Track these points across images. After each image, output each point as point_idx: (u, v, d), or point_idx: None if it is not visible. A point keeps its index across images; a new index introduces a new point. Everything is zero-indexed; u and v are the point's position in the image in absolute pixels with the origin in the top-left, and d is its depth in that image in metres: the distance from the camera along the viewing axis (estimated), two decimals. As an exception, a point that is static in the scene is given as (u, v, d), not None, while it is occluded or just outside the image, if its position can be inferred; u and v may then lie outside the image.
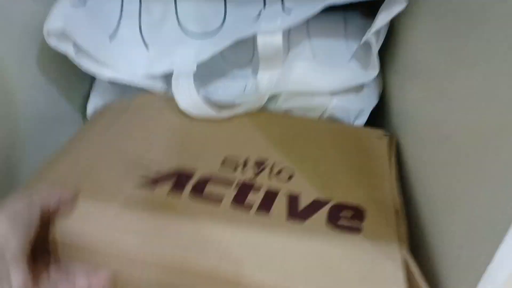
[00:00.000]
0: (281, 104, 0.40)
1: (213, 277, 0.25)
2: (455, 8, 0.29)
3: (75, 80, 0.44)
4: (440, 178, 0.28)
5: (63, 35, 0.35)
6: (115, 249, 0.25)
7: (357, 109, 0.41)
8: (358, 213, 0.29)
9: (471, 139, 0.25)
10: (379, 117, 0.43)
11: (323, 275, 0.25)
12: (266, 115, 0.39)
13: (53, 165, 0.31)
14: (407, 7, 0.36)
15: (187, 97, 0.37)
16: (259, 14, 0.39)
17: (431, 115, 0.31)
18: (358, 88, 0.41)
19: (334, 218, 0.28)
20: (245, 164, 0.33)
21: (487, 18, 0.25)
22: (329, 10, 0.38)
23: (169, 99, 0.38)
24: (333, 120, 0.41)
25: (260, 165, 0.33)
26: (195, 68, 0.38)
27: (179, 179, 0.30)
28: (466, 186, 0.24)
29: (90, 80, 0.46)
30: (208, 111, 0.36)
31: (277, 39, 0.37)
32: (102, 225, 0.26)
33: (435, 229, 0.28)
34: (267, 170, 0.32)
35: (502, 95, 0.22)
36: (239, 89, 0.42)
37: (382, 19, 0.36)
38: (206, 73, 0.42)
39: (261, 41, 0.37)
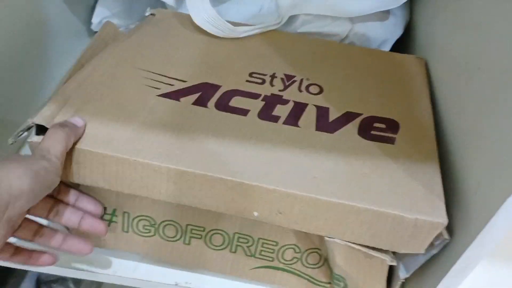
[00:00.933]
0: (297, 28, 0.38)
1: (233, 186, 0.24)
2: None
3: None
4: (467, 108, 0.27)
5: None
6: (141, 157, 0.24)
7: (380, 38, 0.38)
8: (391, 125, 0.28)
9: (502, 72, 0.23)
10: (399, 49, 0.40)
11: (353, 184, 0.24)
12: (289, 35, 0.37)
13: (74, 78, 0.29)
14: None
15: (202, 11, 0.34)
16: None
17: (462, 45, 0.29)
18: (383, 16, 0.38)
19: (366, 129, 0.27)
20: (272, 80, 0.31)
21: None
22: None
23: (184, 16, 0.36)
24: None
25: (287, 81, 0.31)
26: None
27: (205, 91, 0.29)
28: (492, 116, 0.23)
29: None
30: (224, 26, 0.34)
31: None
32: (129, 134, 0.25)
33: (458, 155, 0.27)
34: (295, 85, 0.31)
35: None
36: (254, 9, 0.39)
37: None
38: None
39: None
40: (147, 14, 0.38)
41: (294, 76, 0.31)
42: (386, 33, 0.39)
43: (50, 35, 0.39)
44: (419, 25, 0.39)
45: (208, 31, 0.34)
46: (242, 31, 0.35)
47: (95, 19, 0.42)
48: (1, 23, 0.32)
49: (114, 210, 0.28)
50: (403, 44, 0.40)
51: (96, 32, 0.41)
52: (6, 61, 0.34)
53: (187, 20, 0.35)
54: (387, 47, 0.39)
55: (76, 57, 0.36)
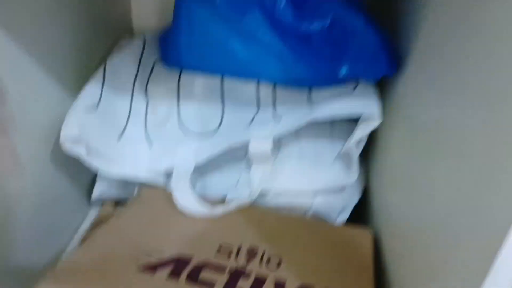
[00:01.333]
0: (267, 201, 0.44)
1: None
2: (420, 122, 0.33)
3: (82, 167, 0.48)
4: (414, 270, 0.31)
5: (77, 140, 0.39)
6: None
7: (339, 206, 0.44)
8: None
9: (441, 235, 0.28)
10: (361, 211, 0.46)
11: None
12: (257, 210, 0.43)
13: (71, 256, 0.35)
14: (384, 119, 0.40)
15: (184, 198, 0.40)
16: (252, 119, 0.44)
17: (406, 212, 0.35)
18: (341, 187, 0.45)
19: None
20: (238, 251, 0.37)
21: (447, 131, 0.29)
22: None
23: (168, 195, 0.42)
24: (318, 218, 0.44)
25: (251, 253, 0.37)
26: (192, 170, 0.42)
27: (177, 265, 0.34)
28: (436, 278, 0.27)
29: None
30: (202, 211, 0.40)
31: (267, 146, 0.41)
32: None
33: None
34: (257, 258, 0.36)
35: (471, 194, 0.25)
36: (232, 182, 0.46)
37: (360, 133, 0.40)
38: (203, 165, 0.46)
39: (252, 146, 0.41)
40: (135, 192, 0.44)
41: (257, 249, 0.37)
42: (345, 201, 0.45)
43: (53, 205, 0.44)
44: (373, 192, 0.45)
45: (190, 213, 0.40)
46: (218, 212, 0.41)
47: (95, 193, 0.48)
48: (14, 196, 0.38)
49: None
50: (362, 208, 0.46)
51: (94, 202, 0.47)
52: (8, 228, 0.39)
53: (171, 198, 0.41)
54: (346, 213, 0.45)
55: (75, 227, 0.41)
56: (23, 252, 0.40)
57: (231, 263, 0.35)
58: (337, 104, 0.41)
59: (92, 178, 0.50)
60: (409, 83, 0.38)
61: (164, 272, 0.34)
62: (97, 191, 0.49)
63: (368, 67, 0.40)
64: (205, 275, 0.34)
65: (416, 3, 0.39)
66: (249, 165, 0.45)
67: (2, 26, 0.33)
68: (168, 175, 0.44)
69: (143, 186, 0.44)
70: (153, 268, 0.34)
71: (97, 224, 0.42)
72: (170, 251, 0.36)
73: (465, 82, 0.27)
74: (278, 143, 0.45)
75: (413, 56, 0.37)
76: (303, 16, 0.40)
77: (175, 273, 0.34)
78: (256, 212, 0.42)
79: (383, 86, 0.44)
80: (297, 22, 0.40)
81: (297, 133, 0.46)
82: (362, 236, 0.40)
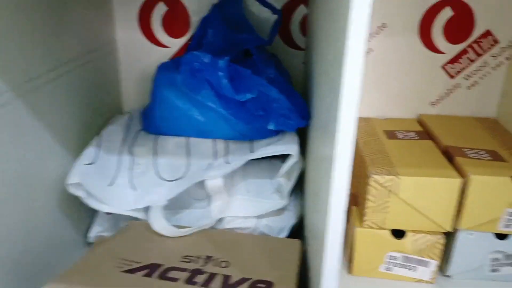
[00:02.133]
0: (225, 225, 0.58)
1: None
2: (318, 155, 0.48)
3: (80, 215, 0.62)
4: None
5: (78, 186, 0.54)
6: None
7: (279, 227, 0.58)
8: (269, 285, 0.45)
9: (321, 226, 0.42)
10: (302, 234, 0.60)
11: None
12: (214, 231, 0.56)
13: (73, 265, 0.48)
14: (305, 157, 0.56)
15: (159, 223, 0.54)
16: (209, 165, 0.59)
17: (313, 219, 0.49)
18: (280, 212, 0.59)
19: None
20: (197, 259, 0.50)
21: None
22: (259, 158, 0.58)
23: (147, 225, 0.56)
24: (261, 235, 0.58)
25: (207, 260, 0.50)
26: (166, 203, 0.57)
27: (151, 269, 0.48)
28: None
29: (91, 214, 0.64)
30: (173, 232, 0.54)
31: (220, 182, 0.56)
32: None
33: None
34: (212, 262, 0.49)
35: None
36: (198, 215, 0.60)
37: (285, 167, 0.56)
38: (176, 205, 0.60)
39: (208, 183, 0.56)
40: (123, 225, 0.58)
41: (212, 257, 0.50)
42: (284, 222, 0.59)
43: (56, 247, 0.57)
44: (305, 215, 0.59)
45: (162, 234, 0.54)
46: (185, 232, 0.54)
47: (92, 233, 0.61)
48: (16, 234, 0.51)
49: None
50: (300, 227, 0.60)
51: (89, 243, 0.60)
52: (27, 258, 0.51)
53: (148, 227, 0.55)
54: (285, 232, 0.58)
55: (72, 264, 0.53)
56: (35, 276, 0.52)
57: (192, 266, 0.48)
58: (268, 150, 0.57)
59: (89, 223, 0.64)
60: (315, 130, 0.54)
61: (140, 273, 0.47)
62: (93, 232, 0.62)
63: (286, 122, 0.56)
64: (171, 274, 0.47)
65: (314, 85, 0.57)
66: (209, 203, 0.60)
67: (39, 119, 0.50)
68: (146, 211, 0.58)
69: (129, 220, 0.58)
70: (131, 271, 0.47)
71: (94, 246, 0.54)
72: (145, 261, 0.49)
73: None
74: (231, 182, 0.60)
75: (316, 114, 0.54)
76: (239, 90, 0.57)
77: (148, 274, 0.47)
78: (213, 233, 0.55)
79: (305, 133, 0.61)
80: (235, 94, 0.57)
81: (244, 175, 0.61)
82: (292, 244, 0.53)
